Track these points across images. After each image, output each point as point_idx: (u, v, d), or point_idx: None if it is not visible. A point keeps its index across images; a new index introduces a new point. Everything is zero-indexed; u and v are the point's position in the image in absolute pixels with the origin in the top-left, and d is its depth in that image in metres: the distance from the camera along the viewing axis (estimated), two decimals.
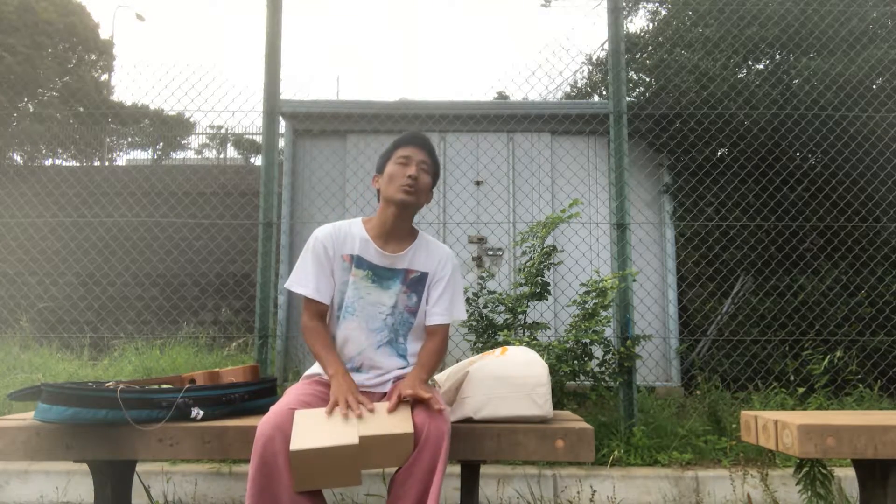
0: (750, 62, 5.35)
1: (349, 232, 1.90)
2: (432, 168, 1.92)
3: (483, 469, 2.02)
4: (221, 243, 7.44)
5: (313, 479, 1.51)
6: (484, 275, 3.47)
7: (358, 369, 1.85)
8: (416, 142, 1.89)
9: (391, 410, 1.60)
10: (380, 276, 1.87)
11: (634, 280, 3.23)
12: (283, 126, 5.15)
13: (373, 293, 1.86)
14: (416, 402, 1.62)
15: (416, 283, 1.90)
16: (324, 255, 1.87)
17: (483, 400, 1.83)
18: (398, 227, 1.89)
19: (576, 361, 2.96)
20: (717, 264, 4.94)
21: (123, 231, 7.29)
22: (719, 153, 5.09)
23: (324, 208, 4.91)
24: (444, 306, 1.89)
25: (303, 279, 1.85)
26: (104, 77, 16.51)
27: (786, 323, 4.33)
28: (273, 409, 1.60)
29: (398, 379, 1.84)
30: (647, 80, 5.55)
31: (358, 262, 1.87)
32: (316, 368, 1.91)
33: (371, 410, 1.60)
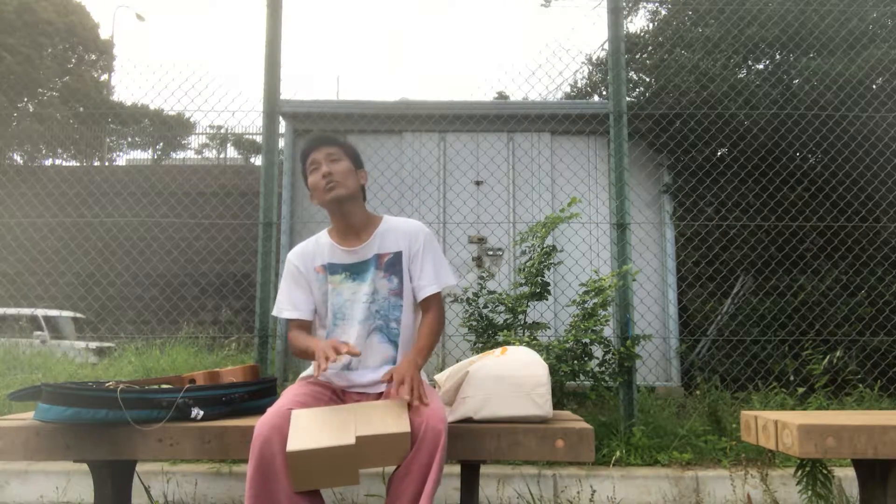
0: (750, 62, 5.36)
1: (317, 245, 1.93)
2: (344, 152, 1.90)
3: (483, 469, 2.02)
4: (221, 243, 7.44)
5: (311, 479, 1.51)
6: (484, 275, 3.47)
7: (348, 366, 1.85)
8: (313, 144, 1.89)
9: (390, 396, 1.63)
10: (356, 271, 1.88)
11: (634, 280, 3.23)
12: (283, 126, 5.15)
13: (356, 290, 1.87)
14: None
15: (393, 265, 1.89)
16: (297, 274, 1.91)
17: (483, 400, 1.83)
18: (352, 223, 1.90)
19: (576, 361, 2.95)
20: (717, 264, 4.94)
21: (123, 231, 7.29)
22: (719, 153, 5.09)
23: (324, 208, 4.90)
24: (429, 276, 1.88)
25: (282, 302, 1.91)
26: (104, 77, 16.52)
27: (786, 323, 4.33)
28: (270, 411, 1.60)
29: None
30: (647, 80, 5.55)
31: (331, 269, 1.89)
32: (313, 370, 1.91)
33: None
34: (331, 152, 1.87)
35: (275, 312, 1.93)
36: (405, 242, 1.90)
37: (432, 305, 1.89)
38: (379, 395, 1.84)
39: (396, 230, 1.92)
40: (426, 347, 1.81)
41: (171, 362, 4.28)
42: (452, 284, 1.95)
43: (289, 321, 1.91)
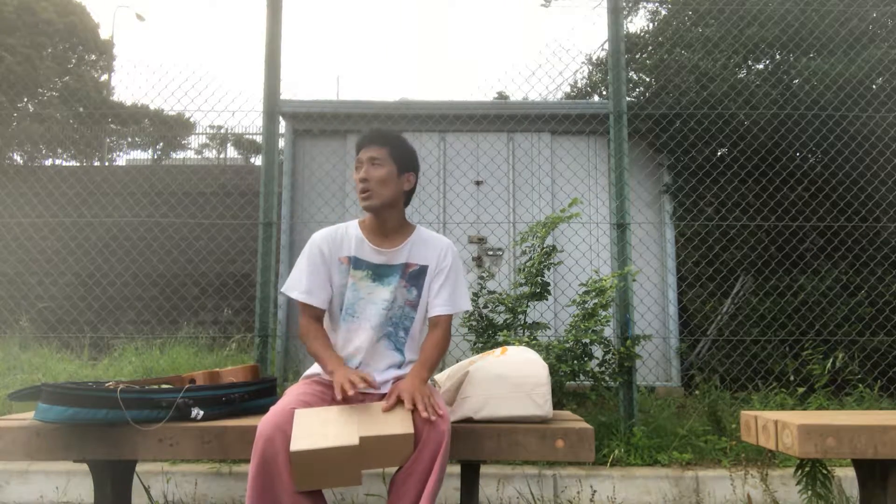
0: (750, 62, 5.35)
1: (346, 234, 1.91)
2: (389, 155, 1.85)
3: (483, 469, 2.02)
4: (221, 243, 7.44)
5: (314, 479, 1.51)
6: (484, 275, 3.47)
7: (356, 368, 1.85)
8: (363, 142, 1.87)
9: (386, 410, 1.61)
10: (379, 274, 1.88)
11: (634, 280, 3.23)
12: (283, 126, 5.15)
13: (374, 291, 1.86)
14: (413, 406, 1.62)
15: (416, 277, 1.89)
16: (320, 259, 1.87)
17: (483, 400, 1.83)
18: (386, 226, 1.89)
19: (576, 361, 2.95)
20: (717, 264, 4.94)
21: (123, 231, 7.29)
22: (719, 153, 5.09)
23: (324, 208, 4.91)
24: (446, 297, 1.88)
25: (296, 283, 1.86)
26: (104, 77, 16.50)
27: (786, 323, 4.33)
28: (273, 410, 1.60)
29: (398, 380, 1.84)
30: (647, 80, 5.55)
31: (356, 263, 1.87)
32: (315, 368, 1.92)
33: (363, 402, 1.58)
34: (374, 155, 1.83)
35: (284, 289, 1.89)
36: (433, 258, 1.90)
37: (441, 325, 1.89)
38: (383, 396, 1.84)
39: (427, 244, 1.92)
40: (431, 361, 1.81)
41: (171, 362, 4.28)
42: (467, 310, 1.95)
43: (303, 307, 1.86)
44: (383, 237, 1.89)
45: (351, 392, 1.59)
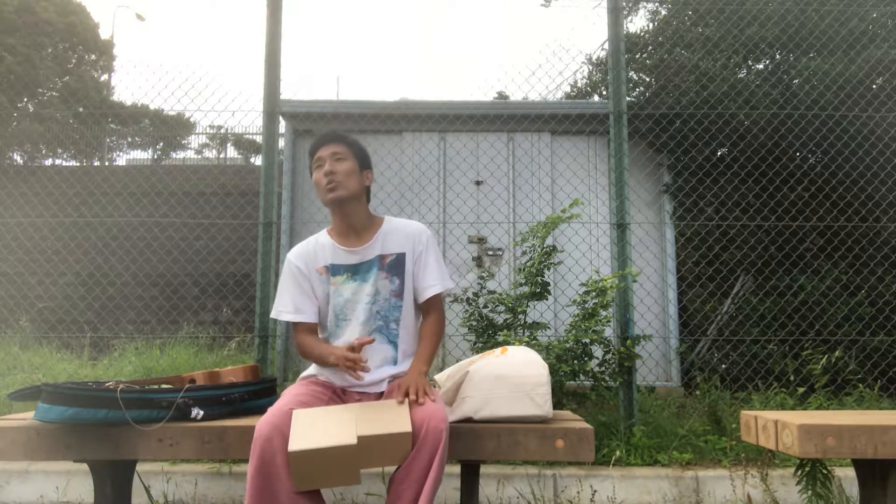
0: (750, 62, 5.35)
1: (317, 245, 1.92)
2: (350, 151, 1.88)
3: (483, 469, 2.02)
4: (221, 243, 7.44)
5: (312, 478, 1.51)
6: (484, 275, 3.47)
7: None
8: (322, 141, 1.89)
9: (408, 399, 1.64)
10: (359, 272, 1.88)
11: (635, 280, 3.23)
12: (283, 126, 5.15)
13: (358, 291, 1.87)
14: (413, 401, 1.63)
15: (395, 266, 1.89)
16: (299, 275, 1.89)
17: (483, 400, 1.83)
18: (353, 223, 1.90)
19: (576, 361, 2.95)
20: (717, 264, 4.94)
21: (123, 231, 7.30)
22: (719, 153, 5.09)
23: (323, 208, 4.90)
24: (433, 278, 1.89)
25: (284, 304, 1.89)
26: (104, 77, 16.51)
27: (786, 323, 4.33)
28: (271, 410, 1.60)
29: (394, 379, 1.84)
30: (647, 80, 5.55)
31: (333, 270, 1.88)
32: (313, 369, 1.92)
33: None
34: (336, 151, 1.86)
35: (273, 315, 1.91)
36: (409, 244, 1.90)
37: (434, 307, 1.89)
38: (380, 395, 1.84)
39: (399, 231, 1.92)
40: (429, 353, 1.82)
41: (171, 362, 4.28)
42: (452, 287, 1.95)
43: (295, 325, 1.89)
44: (354, 237, 1.90)
45: (359, 365, 1.64)
